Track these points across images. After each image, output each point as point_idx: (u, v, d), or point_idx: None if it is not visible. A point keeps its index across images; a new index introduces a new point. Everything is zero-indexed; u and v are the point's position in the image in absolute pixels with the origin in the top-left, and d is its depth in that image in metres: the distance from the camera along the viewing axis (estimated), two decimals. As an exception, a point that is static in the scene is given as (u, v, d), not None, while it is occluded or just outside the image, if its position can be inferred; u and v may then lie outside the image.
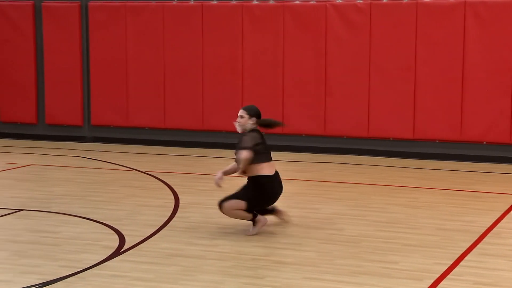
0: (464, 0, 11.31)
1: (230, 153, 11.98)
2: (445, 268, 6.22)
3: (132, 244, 6.89)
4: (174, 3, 12.82)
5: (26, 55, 13.61)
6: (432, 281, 5.90)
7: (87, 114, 13.49)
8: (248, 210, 7.20)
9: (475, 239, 7.12)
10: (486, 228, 7.52)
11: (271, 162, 7.30)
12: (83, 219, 7.87)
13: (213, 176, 7.33)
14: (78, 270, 6.14)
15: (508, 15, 11.18)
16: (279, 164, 7.58)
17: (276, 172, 7.30)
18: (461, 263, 6.36)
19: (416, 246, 6.87)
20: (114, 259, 6.48)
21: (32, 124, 13.82)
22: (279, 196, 7.31)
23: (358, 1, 11.86)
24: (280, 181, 7.32)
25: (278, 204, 7.53)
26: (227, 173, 7.36)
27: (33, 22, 13.55)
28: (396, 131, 11.85)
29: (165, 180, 9.92)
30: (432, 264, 6.33)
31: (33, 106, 13.71)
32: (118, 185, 9.75)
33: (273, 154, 7.47)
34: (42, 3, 13.47)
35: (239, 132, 7.35)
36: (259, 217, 7.29)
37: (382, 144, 12.01)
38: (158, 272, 6.11)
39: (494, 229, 7.53)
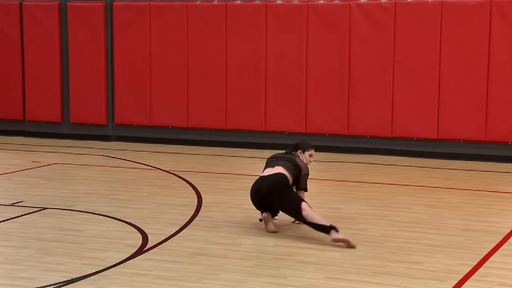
0: (490, -1, 11.24)
1: (253, 152, 12.01)
2: (469, 269, 6.17)
3: (155, 243, 6.92)
4: (198, 2, 12.85)
5: (51, 54, 13.71)
6: (456, 281, 5.86)
7: (111, 113, 13.56)
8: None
9: (499, 240, 7.06)
10: (511, 229, 7.45)
11: (269, 168, 7.37)
12: (107, 218, 7.91)
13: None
14: (102, 268, 6.17)
15: (534, 14, 11.09)
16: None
17: (269, 174, 7.28)
18: (485, 264, 6.31)
19: (440, 247, 6.82)
20: (137, 257, 6.51)
21: (57, 123, 13.91)
22: (258, 192, 7.24)
23: (383, 0, 11.80)
24: (262, 178, 7.28)
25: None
26: None
27: (59, 22, 13.64)
28: (420, 131, 11.78)
29: (188, 179, 9.94)
30: (456, 265, 6.28)
31: (58, 105, 13.81)
32: (142, 184, 9.79)
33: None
34: (68, 3, 13.56)
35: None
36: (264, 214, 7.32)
37: (406, 144, 11.94)
38: (181, 271, 6.13)
39: (519, 230, 7.47)
